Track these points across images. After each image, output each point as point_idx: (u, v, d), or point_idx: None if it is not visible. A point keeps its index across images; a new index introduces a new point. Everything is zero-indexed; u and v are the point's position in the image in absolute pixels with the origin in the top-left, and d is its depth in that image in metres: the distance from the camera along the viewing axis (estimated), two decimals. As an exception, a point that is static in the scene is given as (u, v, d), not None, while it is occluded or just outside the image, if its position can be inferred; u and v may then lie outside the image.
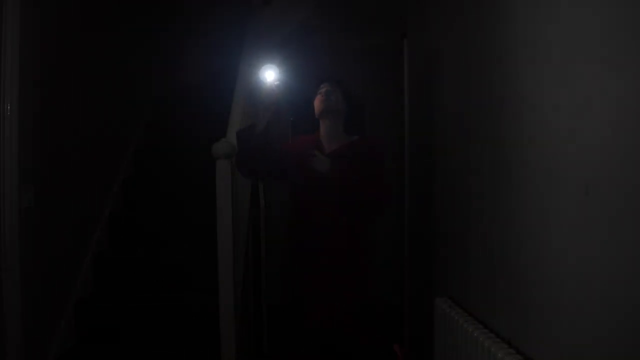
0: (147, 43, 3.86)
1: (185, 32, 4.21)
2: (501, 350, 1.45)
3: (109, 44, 3.25)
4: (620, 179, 1.04)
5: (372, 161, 2.07)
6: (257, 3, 3.39)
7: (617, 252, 1.05)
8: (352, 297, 2.03)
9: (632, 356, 1.00)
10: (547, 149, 1.33)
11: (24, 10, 2.24)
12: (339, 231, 2.02)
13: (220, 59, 3.81)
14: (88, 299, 2.84)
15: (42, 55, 2.47)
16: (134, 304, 2.82)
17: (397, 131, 3.31)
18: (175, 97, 3.97)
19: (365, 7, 3.90)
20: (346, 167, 1.99)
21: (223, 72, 3.53)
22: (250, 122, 2.06)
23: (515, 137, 1.52)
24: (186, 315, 2.72)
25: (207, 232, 2.51)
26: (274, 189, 3.40)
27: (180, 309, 2.75)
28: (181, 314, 2.73)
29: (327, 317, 2.00)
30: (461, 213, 2.00)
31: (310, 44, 3.91)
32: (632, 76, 1.00)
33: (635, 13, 0.99)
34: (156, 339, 2.68)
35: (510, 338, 1.53)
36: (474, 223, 1.87)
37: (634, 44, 1.00)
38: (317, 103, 2.15)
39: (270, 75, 2.04)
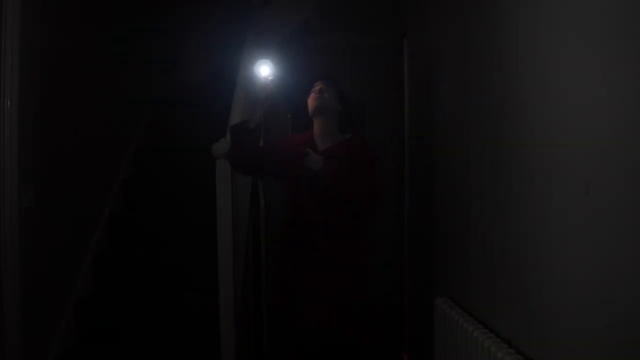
0: (147, 43, 3.86)
1: (185, 32, 4.21)
2: (501, 350, 1.45)
3: (109, 44, 3.25)
4: (621, 179, 1.04)
5: (364, 159, 2.07)
6: (257, 3, 3.39)
7: (617, 252, 1.05)
8: (346, 295, 2.02)
9: (633, 356, 1.00)
10: (547, 148, 1.33)
11: (24, 10, 2.24)
12: (332, 229, 2.02)
13: (221, 59, 3.81)
14: (88, 299, 2.84)
15: (42, 55, 2.47)
16: (134, 304, 2.81)
17: (397, 131, 3.31)
18: (175, 97, 3.97)
19: (365, 7, 3.91)
20: (338, 165, 1.99)
21: (223, 72, 3.53)
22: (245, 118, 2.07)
23: (515, 137, 1.52)
24: (186, 315, 2.72)
25: (207, 232, 2.51)
26: (274, 189, 3.40)
27: (180, 309, 2.75)
28: (181, 314, 2.73)
29: (321, 316, 1.99)
30: (461, 213, 2.00)
31: (310, 43, 3.91)
32: (633, 76, 1.00)
33: (636, 13, 0.99)
34: (156, 339, 2.68)
35: (510, 338, 1.53)
36: (474, 223, 1.87)
37: (634, 44, 1.00)
38: (311, 101, 2.15)
39: (264, 70, 2.05)
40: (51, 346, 2.54)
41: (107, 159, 3.26)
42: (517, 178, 1.50)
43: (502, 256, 1.61)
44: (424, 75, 2.63)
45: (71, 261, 2.79)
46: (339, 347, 2.04)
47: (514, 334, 1.52)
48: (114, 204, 3.26)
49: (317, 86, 2.15)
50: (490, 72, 1.72)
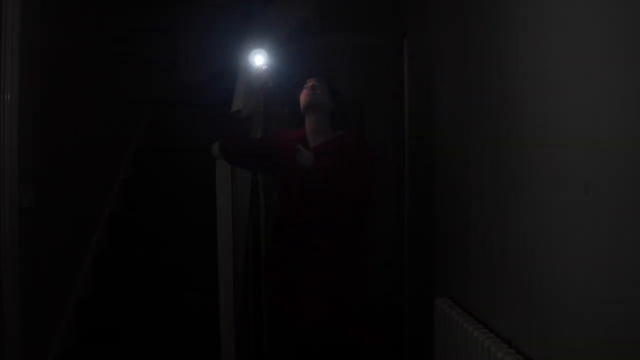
0: (147, 43, 3.85)
1: (185, 32, 4.21)
2: (501, 350, 1.45)
3: (109, 44, 3.25)
4: (621, 179, 1.04)
5: (358, 157, 2.07)
6: (258, 3, 3.40)
7: (618, 252, 1.05)
8: (346, 295, 2.02)
9: (633, 356, 1.00)
10: (547, 148, 1.33)
11: (24, 10, 2.24)
12: (324, 226, 2.02)
13: (221, 59, 3.81)
14: (88, 299, 2.84)
15: (42, 55, 2.47)
16: (134, 304, 2.82)
17: (397, 131, 3.31)
18: (175, 97, 3.97)
19: (365, 7, 3.90)
20: (329, 162, 1.99)
21: (223, 72, 3.53)
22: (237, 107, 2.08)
23: (515, 137, 1.52)
24: (186, 315, 2.72)
25: (207, 232, 2.51)
26: (275, 189, 3.40)
27: (180, 309, 2.75)
28: (181, 314, 2.73)
29: (320, 316, 1.99)
30: (461, 213, 2.00)
31: (310, 43, 3.90)
32: (633, 75, 1.00)
33: (636, 13, 0.99)
34: (156, 339, 2.68)
35: (510, 338, 1.53)
36: (474, 223, 1.87)
37: (634, 43, 1.00)
38: (303, 97, 2.15)
39: (258, 59, 2.06)
40: (51, 346, 2.54)
41: (107, 159, 3.26)
42: (517, 178, 1.50)
43: (502, 256, 1.61)
44: (424, 75, 2.62)
45: (71, 261, 2.79)
46: (339, 347, 2.04)
47: (514, 334, 1.52)
48: (114, 204, 3.26)
49: (310, 83, 2.16)
50: (490, 72, 1.71)
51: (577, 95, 1.20)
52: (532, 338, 1.41)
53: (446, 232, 2.21)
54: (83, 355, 2.66)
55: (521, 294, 1.47)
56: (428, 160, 2.47)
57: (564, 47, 1.26)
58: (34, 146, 2.37)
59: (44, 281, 2.47)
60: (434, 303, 2.07)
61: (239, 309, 2.45)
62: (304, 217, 2.03)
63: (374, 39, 4.07)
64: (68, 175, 2.72)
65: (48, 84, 2.53)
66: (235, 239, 2.39)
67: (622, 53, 1.04)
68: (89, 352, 2.68)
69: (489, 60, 1.73)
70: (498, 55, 1.66)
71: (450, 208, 2.15)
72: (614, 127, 1.06)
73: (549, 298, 1.32)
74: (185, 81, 4.14)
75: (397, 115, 3.28)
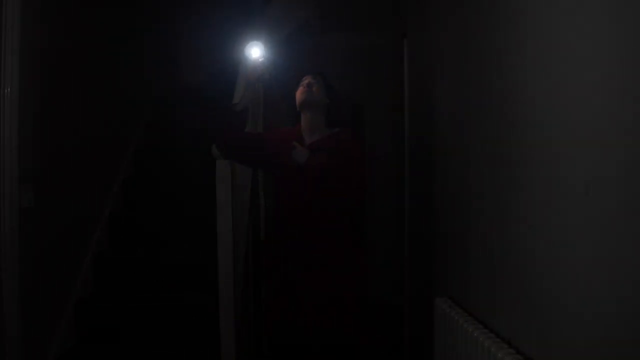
0: (147, 43, 3.85)
1: (185, 32, 4.21)
2: (501, 350, 1.45)
3: (109, 44, 3.25)
4: (621, 179, 1.04)
5: (354, 155, 2.07)
6: (258, 2, 3.40)
7: (618, 252, 1.05)
8: (341, 294, 2.02)
9: (633, 356, 1.00)
10: (547, 148, 1.33)
11: (24, 10, 2.24)
12: (319, 223, 2.02)
13: (221, 59, 3.81)
14: (88, 299, 2.84)
15: (42, 55, 2.47)
16: (134, 304, 2.82)
17: (397, 131, 3.31)
18: (175, 97, 3.96)
19: (365, 7, 3.90)
20: (325, 159, 1.99)
21: (223, 71, 3.53)
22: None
23: (515, 136, 1.52)
24: (186, 315, 2.72)
25: (207, 232, 2.51)
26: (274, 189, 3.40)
27: (180, 309, 2.75)
28: (181, 314, 2.73)
29: (320, 316, 1.99)
30: (461, 213, 2.00)
31: (310, 43, 3.90)
32: (633, 75, 1.00)
33: (637, 13, 0.99)
34: (156, 339, 2.68)
35: (510, 338, 1.53)
36: (474, 223, 1.87)
37: (634, 43, 1.00)
38: (298, 94, 2.15)
39: (255, 51, 2.06)
40: (51, 346, 2.54)
41: (107, 159, 3.26)
42: (517, 178, 1.50)
43: (502, 256, 1.61)
44: (424, 75, 2.62)
45: (71, 261, 2.79)
46: (339, 347, 2.04)
47: (514, 334, 1.52)
48: (114, 204, 3.26)
49: (306, 80, 2.16)
50: (490, 72, 1.71)
51: (577, 95, 1.20)
52: (532, 338, 1.41)
53: (446, 232, 2.21)
54: (83, 355, 2.66)
55: (521, 294, 1.47)
56: (428, 160, 2.47)
57: (564, 46, 1.26)
58: (34, 146, 2.37)
59: (44, 281, 2.47)
60: (434, 303, 2.07)
61: (239, 309, 2.45)
62: (300, 215, 2.03)
63: (374, 39, 4.08)
64: (68, 175, 2.72)
65: (48, 84, 2.53)
66: (235, 239, 2.39)
67: (622, 52, 1.04)
68: (89, 352, 2.68)
69: (489, 60, 1.73)
70: (498, 55, 1.66)
71: (450, 208, 2.15)
72: (614, 127, 1.06)
73: (549, 298, 1.32)
74: (185, 81, 4.13)
75: (397, 115, 3.28)
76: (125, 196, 3.37)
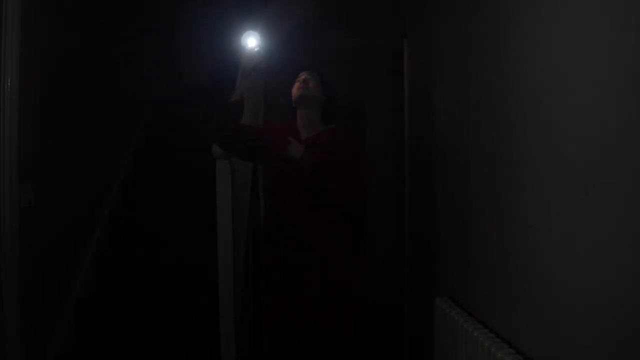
0: (148, 42, 3.86)
1: (185, 32, 4.21)
2: (501, 350, 1.45)
3: (109, 44, 3.25)
4: (621, 179, 1.04)
5: (350, 151, 2.07)
6: (258, 2, 3.40)
7: (618, 252, 1.05)
8: (341, 294, 2.02)
9: (633, 356, 1.00)
10: (547, 148, 1.33)
11: (24, 10, 2.24)
12: (316, 221, 2.02)
13: (221, 59, 3.81)
14: (88, 299, 2.84)
15: (42, 55, 2.47)
16: (134, 304, 2.82)
17: (397, 131, 3.31)
18: (175, 97, 3.97)
19: (365, 7, 3.91)
20: (320, 155, 1.99)
21: (223, 70, 3.53)
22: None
23: (515, 136, 1.52)
24: (186, 315, 2.72)
25: (207, 232, 2.51)
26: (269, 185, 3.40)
27: (180, 309, 2.75)
28: (181, 314, 2.73)
29: (311, 314, 1.99)
30: (461, 213, 2.01)
31: (310, 43, 3.91)
32: (633, 75, 1.00)
33: (637, 13, 0.99)
34: (156, 339, 2.68)
35: (510, 338, 1.53)
36: (474, 223, 1.87)
37: (634, 43, 1.00)
38: (294, 90, 2.15)
39: (251, 41, 2.07)
40: (51, 346, 2.54)
41: (107, 159, 3.26)
42: (517, 178, 1.50)
43: (502, 256, 1.61)
44: (424, 75, 2.63)
45: (71, 261, 2.79)
46: (339, 347, 2.04)
47: (514, 334, 1.52)
48: (114, 204, 3.26)
49: (302, 76, 2.16)
50: (490, 72, 1.72)
51: (578, 95, 1.20)
52: (532, 338, 1.41)
53: (446, 232, 2.21)
54: (83, 355, 2.66)
55: (521, 294, 1.47)
56: (428, 160, 2.47)
57: (564, 46, 1.26)
58: (34, 146, 2.37)
59: (44, 281, 2.47)
60: (434, 303, 2.07)
61: (239, 309, 2.45)
62: (298, 212, 2.03)
63: (374, 38, 4.08)
64: (68, 175, 2.72)
65: (48, 83, 2.53)
66: (235, 239, 2.39)
67: (623, 53, 1.04)
68: (89, 352, 2.68)
69: (489, 60, 1.73)
70: (498, 55, 1.66)
71: (450, 208, 2.15)
72: (614, 127, 1.06)
73: (549, 298, 1.32)
74: (185, 80, 4.14)
75: (397, 115, 3.29)
76: (125, 196, 3.37)
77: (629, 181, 1.01)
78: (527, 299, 1.44)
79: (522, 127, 1.48)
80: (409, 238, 3.01)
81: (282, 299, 2.07)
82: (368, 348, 3.02)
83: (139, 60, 3.72)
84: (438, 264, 2.33)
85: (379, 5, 3.80)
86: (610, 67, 1.08)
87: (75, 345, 2.70)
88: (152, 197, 3.35)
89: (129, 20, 3.58)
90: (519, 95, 1.50)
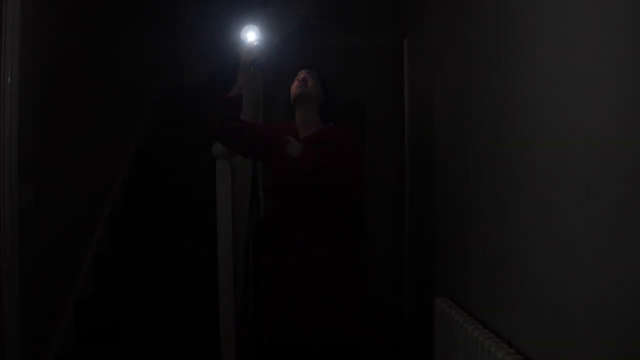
0: (148, 42, 3.86)
1: (185, 32, 4.21)
2: (501, 350, 1.45)
3: (109, 44, 3.25)
4: (621, 179, 1.04)
5: (349, 150, 2.07)
6: (258, 2, 3.40)
7: (618, 252, 1.05)
8: (341, 294, 2.02)
9: (633, 356, 1.00)
10: (547, 148, 1.33)
11: (24, 10, 2.24)
12: (316, 221, 2.02)
13: (221, 58, 3.81)
14: (88, 299, 2.84)
15: (42, 55, 2.47)
16: (134, 304, 2.82)
17: (397, 131, 3.31)
18: (175, 97, 3.97)
19: (365, 7, 3.91)
20: (319, 153, 1.99)
21: (223, 70, 3.53)
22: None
23: (515, 137, 1.52)
24: (186, 315, 2.72)
25: (207, 232, 2.51)
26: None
27: (180, 309, 2.75)
28: (181, 314, 2.73)
29: (311, 314, 1.99)
30: (461, 213, 2.01)
31: (310, 43, 3.91)
32: (633, 76, 1.00)
33: (636, 14, 0.99)
34: (156, 339, 2.68)
35: (510, 338, 1.53)
36: (474, 223, 1.87)
37: (635, 44, 1.00)
38: (293, 89, 2.15)
39: (251, 35, 2.08)
40: (51, 346, 2.54)
41: (107, 159, 3.26)
42: (517, 178, 1.50)
43: (502, 256, 1.61)
44: (424, 75, 2.63)
45: (71, 261, 2.79)
46: (339, 347, 2.04)
47: (514, 334, 1.52)
48: (114, 204, 3.26)
49: (301, 74, 2.16)
50: (490, 72, 1.72)
51: (578, 94, 1.20)
52: (532, 338, 1.41)
53: (446, 232, 2.21)
54: (83, 355, 2.66)
55: (521, 294, 1.47)
56: (428, 160, 2.47)
57: (564, 46, 1.26)
58: (34, 146, 2.37)
59: (44, 281, 2.48)
60: (434, 303, 2.07)
61: (239, 309, 2.45)
62: (297, 211, 2.03)
63: (374, 39, 4.09)
64: (68, 175, 2.72)
65: (48, 83, 2.53)
66: (235, 239, 2.39)
67: (621, 52, 1.04)
68: (89, 352, 2.68)
69: (489, 59, 1.73)
70: (498, 55, 1.66)
71: (450, 208, 2.15)
72: (614, 127, 1.06)
73: (549, 298, 1.32)
74: (185, 80, 4.13)
75: (397, 115, 3.29)
76: (125, 196, 3.37)
77: (629, 181, 1.01)
78: (527, 299, 1.44)
79: (522, 127, 1.48)
80: (409, 238, 3.01)
81: (282, 299, 2.06)
82: (368, 348, 3.02)
83: (139, 60, 3.72)
84: (438, 264, 2.33)
85: (379, 5, 3.80)
86: (611, 66, 1.08)
87: (75, 345, 2.70)
88: (152, 197, 3.35)
89: (129, 20, 3.58)
90: (519, 95, 1.50)
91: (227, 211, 2.31)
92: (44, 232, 2.47)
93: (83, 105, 2.90)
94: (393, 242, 3.73)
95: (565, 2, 1.26)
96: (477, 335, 1.60)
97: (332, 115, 2.19)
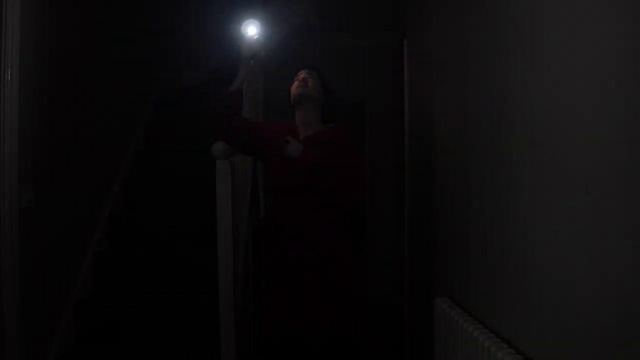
0: (148, 42, 3.86)
1: (185, 32, 4.21)
2: (501, 350, 1.45)
3: (109, 44, 3.26)
4: (621, 179, 1.04)
5: (349, 151, 2.07)
6: (258, 2, 3.40)
7: (618, 252, 1.05)
8: (341, 294, 2.02)
9: (633, 356, 1.00)
10: (547, 148, 1.33)
11: (24, 10, 2.24)
12: (316, 220, 2.02)
13: (221, 58, 3.81)
14: (88, 299, 2.84)
15: (43, 54, 2.47)
16: (134, 304, 2.82)
17: (397, 131, 3.31)
18: (175, 97, 3.97)
19: (365, 7, 3.91)
20: (319, 153, 1.99)
21: (223, 70, 3.53)
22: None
23: (515, 137, 1.52)
24: (186, 315, 2.72)
25: (207, 232, 2.51)
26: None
27: (180, 309, 2.75)
28: (181, 314, 2.73)
29: (311, 314, 1.99)
30: (461, 213, 2.00)
31: (310, 43, 3.91)
32: (633, 76, 1.00)
33: (636, 14, 0.99)
34: (156, 339, 2.68)
35: (510, 338, 1.53)
36: (474, 223, 1.87)
37: (634, 44, 1.00)
38: (293, 89, 2.15)
39: (251, 29, 2.09)
40: (51, 346, 2.54)
41: (107, 159, 3.26)
42: (517, 178, 1.50)
43: (502, 256, 1.61)
44: (424, 75, 2.63)
45: (71, 261, 2.79)
46: (339, 346, 2.04)
47: (514, 334, 1.52)
48: (114, 204, 3.26)
49: (301, 75, 2.16)
50: (491, 71, 1.72)
51: (578, 94, 1.20)
52: (532, 338, 1.41)
53: (446, 232, 2.21)
54: (83, 355, 2.66)
55: (521, 294, 1.47)
56: (428, 160, 2.47)
57: (564, 46, 1.26)
58: (34, 146, 2.37)
59: (44, 281, 2.47)
60: (434, 303, 2.07)
61: (239, 309, 2.45)
62: (297, 211, 2.03)
63: (374, 39, 4.08)
64: (68, 175, 2.72)
65: (48, 83, 2.53)
66: (235, 239, 2.39)
67: (622, 53, 1.04)
68: (89, 352, 2.68)
69: (489, 59, 1.73)
70: (498, 55, 1.66)
71: (450, 208, 2.15)
72: (614, 127, 1.06)
73: (549, 298, 1.32)
74: (185, 80, 4.14)
75: (397, 115, 3.29)
76: (125, 196, 3.37)
77: (629, 181, 1.01)
78: (527, 299, 1.44)
79: (522, 127, 1.48)
80: (409, 238, 3.01)
81: (282, 298, 2.06)
82: (368, 348, 3.02)
83: (139, 60, 3.72)
84: (438, 264, 2.33)
85: (379, 5, 3.80)
86: (610, 66, 1.08)
87: (75, 345, 2.70)
88: (152, 197, 3.35)
89: (129, 20, 3.58)
90: (518, 95, 1.50)
91: (227, 211, 2.31)
92: (44, 232, 2.47)
93: (83, 105, 2.90)
94: (393, 242, 3.73)
95: (565, 2, 1.26)
96: (477, 335, 1.60)
97: (332, 115, 2.19)
